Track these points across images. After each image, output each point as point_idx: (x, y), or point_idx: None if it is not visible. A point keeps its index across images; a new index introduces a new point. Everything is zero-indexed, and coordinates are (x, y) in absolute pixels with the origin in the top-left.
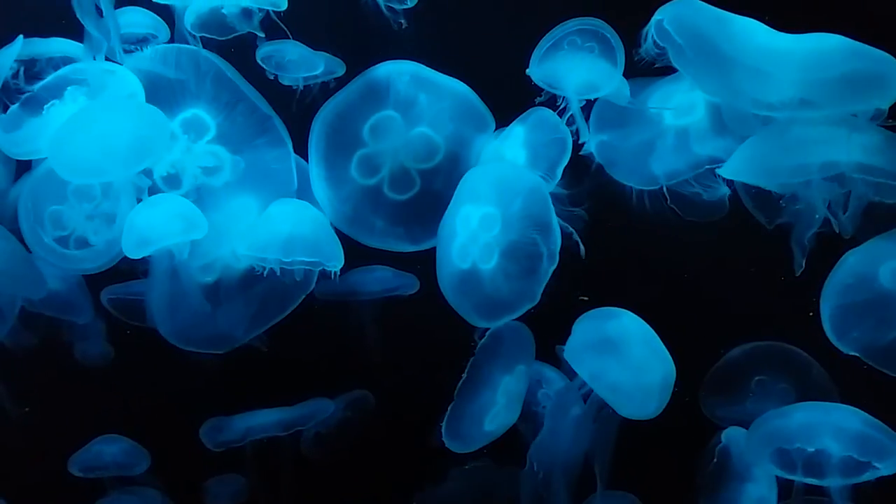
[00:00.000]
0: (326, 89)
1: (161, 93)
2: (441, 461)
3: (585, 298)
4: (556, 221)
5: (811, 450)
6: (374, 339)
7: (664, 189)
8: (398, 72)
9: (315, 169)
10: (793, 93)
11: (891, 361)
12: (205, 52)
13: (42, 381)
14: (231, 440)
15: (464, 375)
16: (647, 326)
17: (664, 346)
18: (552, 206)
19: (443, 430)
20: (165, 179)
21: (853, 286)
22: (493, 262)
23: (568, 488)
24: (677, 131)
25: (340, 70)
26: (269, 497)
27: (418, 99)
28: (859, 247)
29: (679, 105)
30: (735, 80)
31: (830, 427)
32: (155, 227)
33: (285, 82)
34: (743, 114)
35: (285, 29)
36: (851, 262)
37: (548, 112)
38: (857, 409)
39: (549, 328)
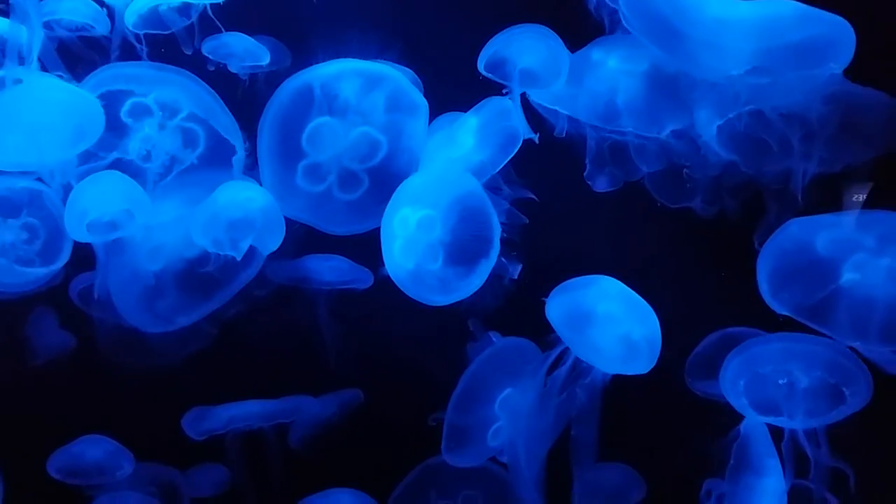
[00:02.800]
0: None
1: None
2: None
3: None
4: (495, 216)
5: (783, 380)
6: (331, 330)
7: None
8: (320, 76)
9: (264, 178)
10: (748, 62)
11: (819, 319)
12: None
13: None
14: (213, 429)
15: (457, 388)
16: (624, 286)
17: (645, 302)
18: (489, 201)
19: (443, 448)
20: (142, 156)
21: (790, 251)
22: (438, 262)
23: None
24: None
25: (286, 60)
26: (251, 487)
27: (348, 99)
28: (803, 217)
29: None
30: (689, 53)
31: (802, 352)
32: (94, 203)
33: (232, 69)
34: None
35: (220, 25)
36: (792, 229)
37: (503, 102)
38: (831, 341)
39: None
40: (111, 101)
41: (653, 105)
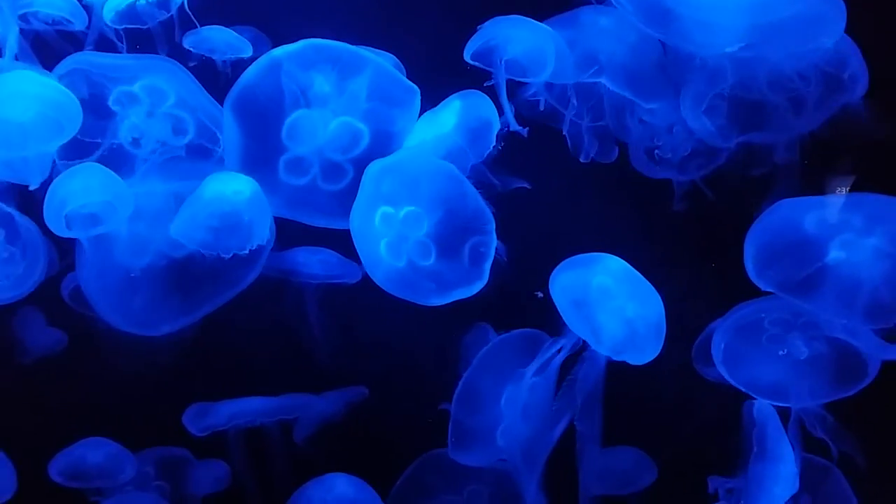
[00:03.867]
0: None
1: None
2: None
3: (540, 294)
4: (482, 204)
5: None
6: (321, 324)
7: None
8: (290, 65)
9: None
10: (741, 39)
11: (804, 297)
12: None
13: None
14: (215, 425)
15: (460, 384)
16: (629, 267)
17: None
18: (473, 189)
19: (450, 447)
20: (131, 143)
21: (777, 230)
22: (431, 257)
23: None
24: None
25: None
26: (254, 484)
27: (322, 88)
28: (793, 198)
29: None
30: (682, 32)
31: None
32: (73, 193)
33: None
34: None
35: (195, 20)
36: (781, 209)
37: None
38: None
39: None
40: (97, 89)
41: (636, 71)
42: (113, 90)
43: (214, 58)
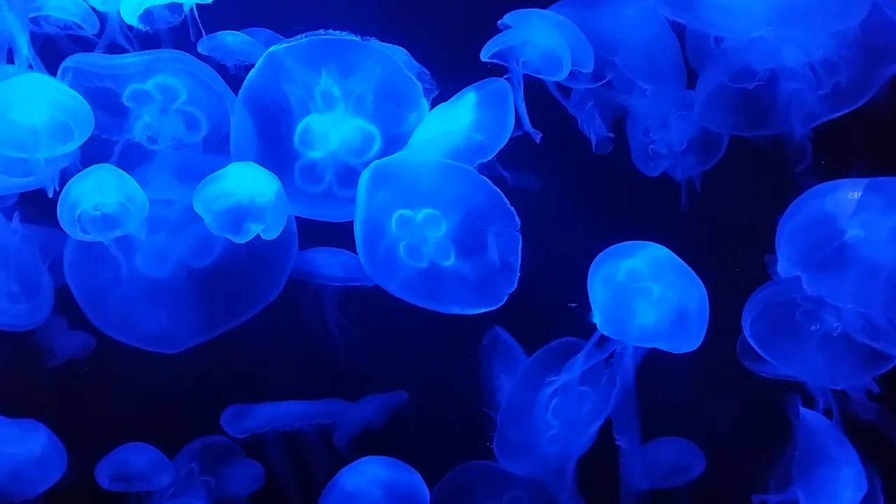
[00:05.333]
0: None
1: None
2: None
3: (574, 305)
4: (502, 201)
5: None
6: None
7: None
8: (294, 69)
9: None
10: (765, 23)
11: (823, 273)
12: None
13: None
14: (253, 427)
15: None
16: (670, 254)
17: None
18: (490, 186)
19: (496, 454)
20: (146, 140)
21: (802, 211)
22: (451, 258)
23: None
24: None
25: None
26: (292, 486)
27: (332, 90)
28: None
29: None
30: (705, 17)
31: None
32: (84, 194)
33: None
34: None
35: (201, 28)
36: (806, 194)
37: (505, 84)
38: None
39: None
40: (109, 89)
41: (653, 62)
42: (125, 88)
43: (227, 64)
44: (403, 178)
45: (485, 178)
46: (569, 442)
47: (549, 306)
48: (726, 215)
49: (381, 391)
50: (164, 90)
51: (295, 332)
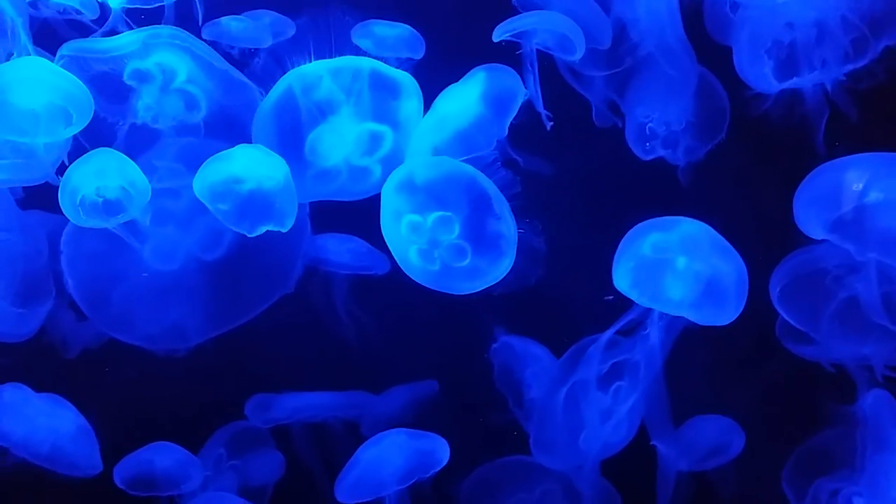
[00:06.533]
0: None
1: None
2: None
3: (611, 298)
4: (498, 194)
5: None
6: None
7: None
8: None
9: None
10: None
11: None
12: None
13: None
14: (279, 418)
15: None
16: (707, 227)
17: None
18: (490, 179)
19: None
20: (149, 120)
21: (820, 178)
22: (467, 258)
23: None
24: None
25: (290, 30)
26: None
27: (333, 99)
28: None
29: None
30: None
31: None
32: (84, 179)
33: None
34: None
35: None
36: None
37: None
38: None
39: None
40: (109, 73)
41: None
42: (126, 68)
43: (232, 51)
44: (413, 185)
45: (470, 166)
46: (606, 436)
47: (564, 290)
48: (734, 198)
49: (398, 382)
50: (163, 69)
51: (306, 321)
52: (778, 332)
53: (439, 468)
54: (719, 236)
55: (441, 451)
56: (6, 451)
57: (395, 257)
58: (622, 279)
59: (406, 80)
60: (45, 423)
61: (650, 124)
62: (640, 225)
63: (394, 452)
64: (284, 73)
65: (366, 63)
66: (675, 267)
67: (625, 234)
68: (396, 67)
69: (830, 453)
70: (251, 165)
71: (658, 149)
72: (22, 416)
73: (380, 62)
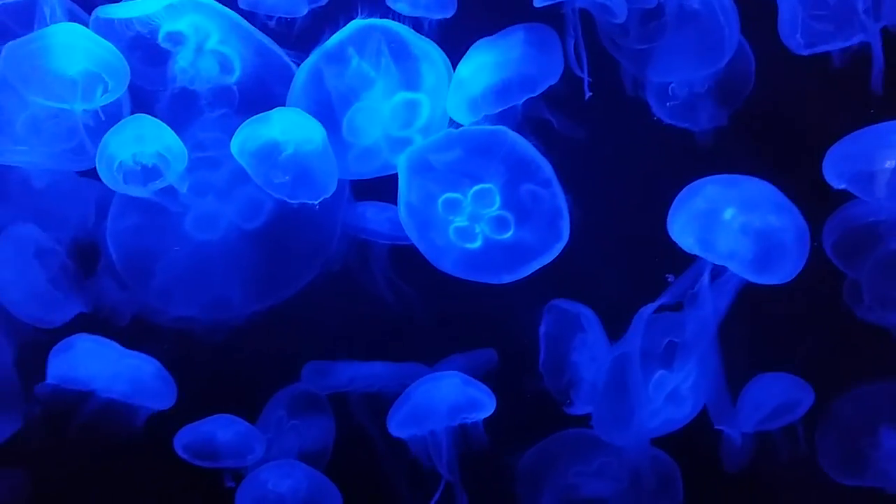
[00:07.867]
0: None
1: None
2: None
3: (672, 278)
4: (539, 158)
5: None
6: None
7: None
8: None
9: None
10: None
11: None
12: None
13: None
14: (335, 386)
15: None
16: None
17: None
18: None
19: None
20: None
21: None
22: (510, 230)
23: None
24: None
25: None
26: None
27: (363, 73)
28: None
29: None
30: None
31: None
32: (121, 145)
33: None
34: None
35: None
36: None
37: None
38: None
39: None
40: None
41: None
42: (160, 31)
43: (270, 21)
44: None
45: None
46: (671, 413)
47: (602, 259)
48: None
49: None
50: (196, 29)
51: (348, 292)
52: (845, 296)
53: (486, 415)
54: (780, 193)
55: (489, 402)
56: (88, 395)
57: (426, 250)
58: (681, 233)
59: (429, 45)
60: (127, 362)
61: (672, 84)
62: (699, 181)
63: (446, 390)
64: (320, 42)
65: (386, 30)
66: (732, 222)
67: (663, 204)
68: (429, 28)
69: None
70: (290, 129)
71: (678, 111)
72: (100, 358)
73: (402, 27)
